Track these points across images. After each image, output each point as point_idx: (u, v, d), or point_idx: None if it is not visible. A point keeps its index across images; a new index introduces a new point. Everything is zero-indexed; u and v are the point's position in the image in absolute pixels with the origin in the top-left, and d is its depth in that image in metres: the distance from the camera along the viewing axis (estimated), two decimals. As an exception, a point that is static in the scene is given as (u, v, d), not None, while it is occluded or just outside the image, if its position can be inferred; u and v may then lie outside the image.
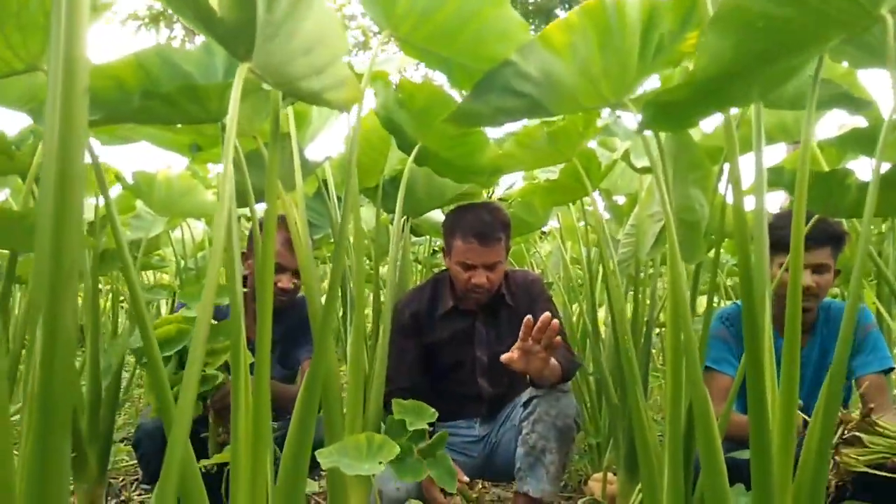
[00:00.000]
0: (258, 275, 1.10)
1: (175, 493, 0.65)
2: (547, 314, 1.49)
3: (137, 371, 3.73)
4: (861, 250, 1.08)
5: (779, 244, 1.40)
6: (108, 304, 4.01)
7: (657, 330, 2.75)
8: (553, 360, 1.68)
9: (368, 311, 2.14)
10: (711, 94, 0.87)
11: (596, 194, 2.69)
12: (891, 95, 1.01)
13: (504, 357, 1.54)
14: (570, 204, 2.84)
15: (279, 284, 1.87)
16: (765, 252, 1.16)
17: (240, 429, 1.03)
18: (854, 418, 1.43)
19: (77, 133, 0.53)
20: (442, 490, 1.70)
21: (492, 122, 1.18)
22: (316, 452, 1.21)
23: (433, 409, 1.53)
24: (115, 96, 1.09)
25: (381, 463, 1.17)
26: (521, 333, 1.51)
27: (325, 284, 2.36)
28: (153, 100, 1.07)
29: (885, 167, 1.16)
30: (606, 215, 2.71)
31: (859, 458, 1.40)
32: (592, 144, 2.22)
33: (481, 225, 1.86)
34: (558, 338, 1.52)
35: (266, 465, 1.04)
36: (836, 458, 1.42)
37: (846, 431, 1.42)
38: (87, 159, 1.17)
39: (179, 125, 1.27)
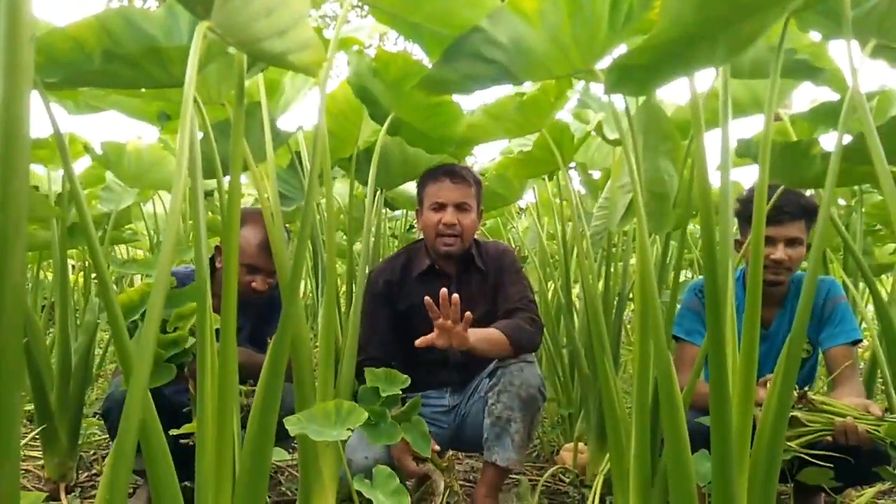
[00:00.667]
0: (223, 240, 1.09)
1: (133, 448, 0.65)
2: (444, 291, 1.53)
3: (111, 348, 3.71)
4: (821, 220, 1.10)
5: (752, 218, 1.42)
6: (81, 280, 3.97)
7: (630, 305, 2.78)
8: (493, 333, 1.74)
9: (344, 287, 2.14)
10: (674, 56, 0.87)
11: (572, 168, 2.70)
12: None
13: (419, 341, 1.57)
14: (546, 179, 2.85)
15: (253, 285, 1.85)
16: (729, 225, 1.18)
17: (206, 393, 1.03)
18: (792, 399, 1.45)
19: (21, 77, 0.51)
20: (414, 459, 1.71)
21: (461, 89, 1.18)
22: (284, 420, 1.21)
23: (405, 376, 1.54)
24: (75, 58, 1.06)
25: (349, 429, 1.17)
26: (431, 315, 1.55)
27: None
28: (115, 62, 1.05)
29: (848, 139, 1.17)
30: (583, 190, 2.72)
31: (797, 439, 1.43)
32: (568, 118, 2.23)
33: (451, 167, 1.95)
34: (468, 314, 1.58)
35: (232, 429, 1.04)
36: None
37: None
38: (50, 129, 1.15)
39: (144, 90, 1.24)
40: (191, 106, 0.77)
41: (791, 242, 1.74)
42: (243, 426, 1.16)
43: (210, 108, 1.77)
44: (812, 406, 1.45)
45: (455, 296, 1.53)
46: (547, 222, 3.48)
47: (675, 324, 1.83)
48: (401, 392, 1.51)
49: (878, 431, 1.38)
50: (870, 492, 1.74)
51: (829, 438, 1.42)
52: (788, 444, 1.40)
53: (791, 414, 1.41)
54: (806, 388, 1.46)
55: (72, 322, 2.20)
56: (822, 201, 1.09)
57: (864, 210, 2.41)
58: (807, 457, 1.40)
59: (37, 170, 2.57)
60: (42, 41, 1.05)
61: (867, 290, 2.21)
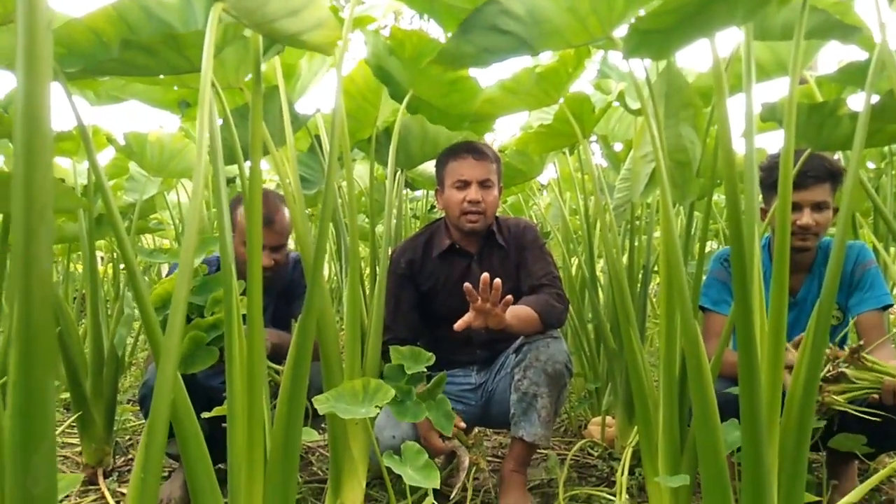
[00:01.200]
0: (247, 224, 1.09)
1: (165, 428, 0.66)
2: (486, 276, 1.51)
3: (142, 336, 3.78)
4: (850, 182, 1.08)
5: (776, 185, 1.39)
6: (111, 271, 4.04)
7: (656, 278, 2.76)
8: (524, 310, 1.73)
9: (367, 269, 2.15)
10: (692, 17, 0.85)
11: (594, 142, 2.67)
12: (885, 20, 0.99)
13: (457, 325, 1.56)
14: (568, 154, 2.82)
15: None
16: (755, 192, 1.15)
17: (235, 375, 1.04)
18: (842, 354, 1.43)
19: (41, 65, 0.52)
20: (440, 436, 1.73)
21: (478, 63, 1.17)
22: (313, 399, 1.22)
23: (430, 353, 1.55)
24: (93, 48, 1.07)
25: (377, 407, 1.19)
26: (468, 296, 1.54)
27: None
28: (133, 50, 1.06)
29: (877, 99, 1.14)
30: (605, 163, 2.69)
31: (842, 394, 1.41)
32: (588, 90, 2.20)
33: (472, 144, 1.93)
34: (509, 297, 1.55)
35: (262, 408, 1.06)
36: (820, 396, 1.43)
37: (833, 368, 1.43)
38: (73, 122, 1.16)
39: (162, 77, 1.25)
40: (209, 88, 0.77)
41: (817, 207, 1.71)
42: (273, 406, 1.18)
43: (229, 94, 1.79)
44: (862, 364, 1.42)
45: (497, 280, 1.52)
46: (569, 197, 3.45)
47: (701, 294, 1.81)
48: (426, 370, 1.52)
49: None
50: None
51: (876, 397, 1.40)
52: (835, 398, 1.38)
53: (840, 370, 1.39)
54: (859, 344, 1.43)
55: (102, 312, 2.24)
56: (851, 163, 1.06)
57: (894, 172, 2.35)
58: (852, 411, 1.38)
59: (62, 163, 2.61)
60: (60, 32, 1.06)
61: (899, 255, 2.17)
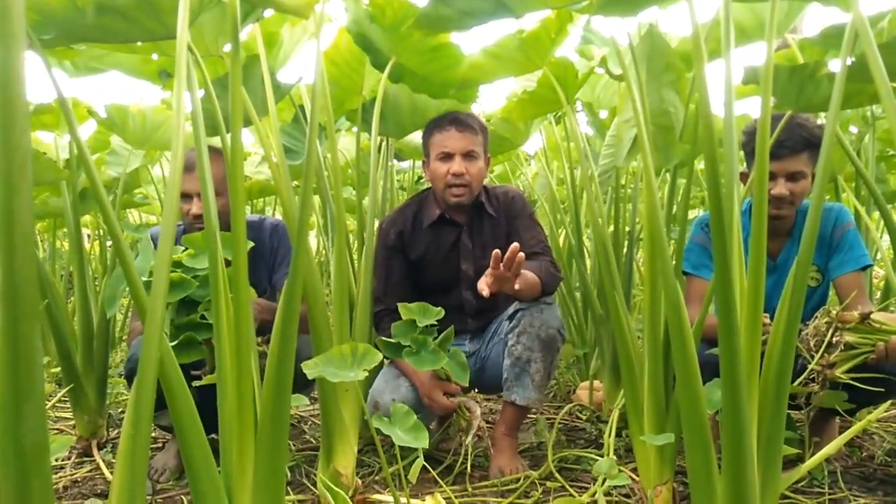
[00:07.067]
0: (230, 191, 1.09)
1: (152, 390, 0.67)
2: (515, 245, 1.51)
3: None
4: (826, 144, 1.08)
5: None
6: (98, 248, 4.02)
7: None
8: (530, 276, 1.73)
9: (356, 242, 2.16)
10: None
11: (580, 112, 2.67)
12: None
13: (480, 286, 1.57)
14: (554, 123, 2.82)
15: (192, 212, 1.84)
16: (734, 157, 1.16)
17: (223, 342, 1.05)
18: (851, 318, 1.45)
19: (13, 25, 0.52)
20: (444, 394, 1.77)
21: (458, 26, 1.16)
22: (302, 364, 1.24)
23: (439, 308, 1.58)
24: (67, 13, 1.06)
25: (365, 370, 1.20)
26: (491, 263, 1.53)
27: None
28: (108, 15, 1.05)
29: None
30: (591, 131, 2.69)
31: (841, 362, 1.45)
32: (574, 56, 2.19)
33: (456, 115, 1.92)
34: (522, 256, 1.54)
35: (251, 374, 1.07)
36: (821, 367, 1.46)
37: (838, 333, 1.45)
38: (53, 94, 1.15)
39: (140, 43, 1.24)
40: (184, 52, 0.77)
41: (792, 177, 1.72)
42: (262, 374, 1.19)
43: (210, 64, 1.76)
44: (871, 328, 1.45)
45: (521, 255, 1.51)
46: (556, 167, 3.45)
47: (683, 259, 1.83)
48: (436, 322, 1.56)
49: None
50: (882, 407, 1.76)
51: (873, 357, 1.44)
52: (836, 374, 1.42)
53: (845, 340, 1.43)
54: (871, 312, 1.46)
55: (90, 286, 2.23)
56: (828, 123, 1.07)
57: (876, 136, 2.37)
58: (860, 385, 1.42)
59: (43, 137, 2.58)
60: (34, -2, 1.05)
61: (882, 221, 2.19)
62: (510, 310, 1.89)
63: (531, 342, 1.79)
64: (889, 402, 1.60)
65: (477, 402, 2.58)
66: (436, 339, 1.57)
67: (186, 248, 1.34)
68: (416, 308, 1.56)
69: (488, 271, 1.55)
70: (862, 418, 2.00)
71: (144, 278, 1.23)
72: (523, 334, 1.80)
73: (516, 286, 1.59)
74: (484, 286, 1.55)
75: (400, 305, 1.59)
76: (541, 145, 3.24)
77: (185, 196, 1.83)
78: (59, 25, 1.04)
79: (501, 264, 1.51)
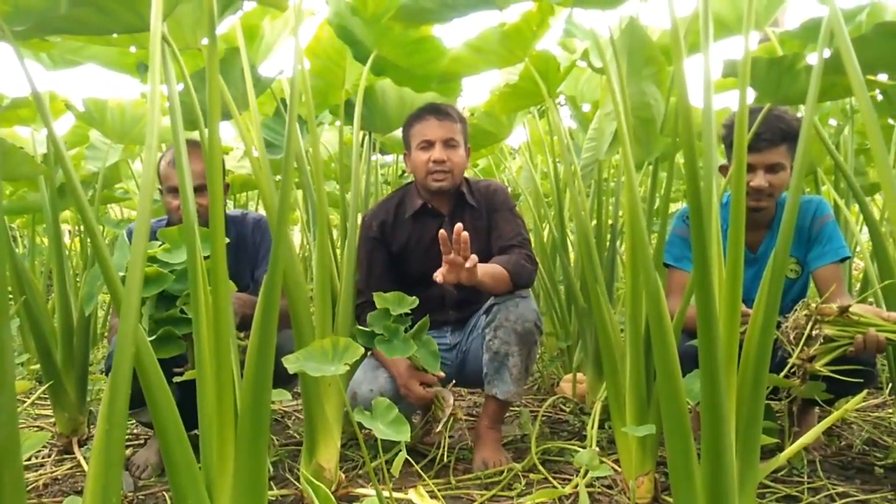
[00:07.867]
0: (208, 185, 1.08)
1: (127, 384, 0.66)
2: (459, 226, 1.52)
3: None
4: (804, 136, 1.09)
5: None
6: (79, 245, 3.97)
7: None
8: (495, 268, 1.74)
9: (339, 237, 2.15)
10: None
11: (563, 106, 2.67)
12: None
13: (435, 274, 1.57)
14: (537, 116, 2.82)
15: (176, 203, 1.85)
16: (712, 150, 1.17)
17: (202, 336, 1.04)
18: (831, 312, 1.46)
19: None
20: (421, 384, 1.77)
21: (439, 18, 1.16)
22: (283, 359, 1.23)
23: (414, 297, 1.58)
24: (41, 4, 1.04)
25: (346, 364, 1.19)
26: (442, 249, 1.54)
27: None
28: (83, 6, 1.03)
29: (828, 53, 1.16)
30: (574, 124, 2.69)
31: (821, 355, 1.46)
32: (556, 50, 2.19)
33: (435, 105, 1.93)
34: (465, 236, 1.54)
35: (231, 368, 1.06)
36: (801, 361, 1.47)
37: (817, 326, 1.46)
38: (28, 88, 1.13)
39: (116, 35, 1.22)
40: (158, 42, 0.76)
41: (771, 169, 1.73)
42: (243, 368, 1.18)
43: (189, 57, 1.75)
44: (849, 320, 1.46)
45: (465, 234, 1.52)
46: (540, 161, 3.46)
47: (664, 251, 1.84)
48: (410, 312, 1.56)
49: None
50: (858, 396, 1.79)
51: (852, 349, 1.45)
52: (816, 367, 1.43)
53: (824, 333, 1.44)
54: (849, 305, 1.48)
55: (71, 283, 2.21)
56: (805, 115, 1.08)
57: (854, 129, 2.39)
58: (839, 377, 1.43)
59: (21, 132, 2.55)
60: (6, -11, 1.03)
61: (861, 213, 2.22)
62: (487, 303, 1.89)
63: (508, 336, 1.79)
64: (865, 391, 1.62)
65: (461, 395, 2.59)
66: (411, 328, 1.58)
67: (163, 243, 1.32)
68: (391, 297, 1.56)
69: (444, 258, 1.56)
70: (840, 408, 2.03)
71: (122, 274, 1.21)
72: (500, 328, 1.80)
73: (479, 276, 1.60)
74: (438, 274, 1.56)
75: (375, 295, 1.60)
76: (525, 139, 3.25)
77: (174, 190, 1.82)
78: (32, 16, 1.02)
79: (451, 249, 1.52)
